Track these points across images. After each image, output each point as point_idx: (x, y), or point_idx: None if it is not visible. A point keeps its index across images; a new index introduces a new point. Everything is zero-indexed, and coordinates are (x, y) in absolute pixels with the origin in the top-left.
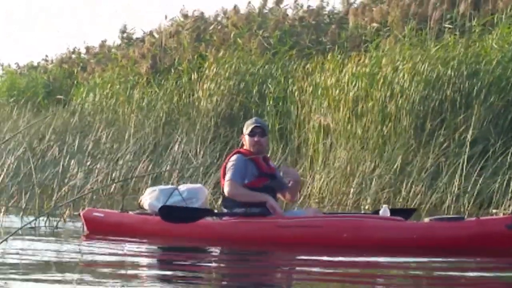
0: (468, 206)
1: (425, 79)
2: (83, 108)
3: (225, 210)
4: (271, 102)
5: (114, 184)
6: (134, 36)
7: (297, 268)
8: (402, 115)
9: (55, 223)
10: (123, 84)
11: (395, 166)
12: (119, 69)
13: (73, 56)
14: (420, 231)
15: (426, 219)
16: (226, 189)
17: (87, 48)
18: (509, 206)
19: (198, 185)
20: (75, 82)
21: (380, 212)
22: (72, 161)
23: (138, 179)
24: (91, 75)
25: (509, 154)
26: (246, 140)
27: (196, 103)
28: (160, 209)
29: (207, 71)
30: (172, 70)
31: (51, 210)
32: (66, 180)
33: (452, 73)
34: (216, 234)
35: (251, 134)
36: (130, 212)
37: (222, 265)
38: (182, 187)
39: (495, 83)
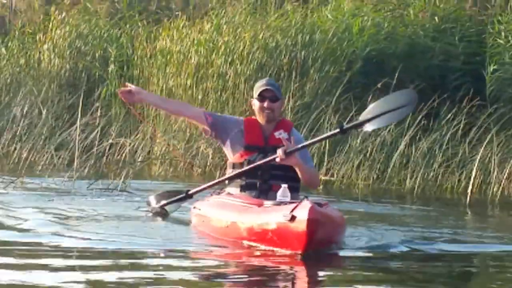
0: None
1: (263, 46)
2: None
3: None
4: (112, 66)
5: None
6: None
7: None
8: (240, 82)
9: None
10: None
11: None
12: None
13: None
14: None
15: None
16: None
17: None
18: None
19: None
20: None
21: (278, 193)
22: None
23: None
24: None
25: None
26: (254, 105)
27: (40, 65)
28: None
29: (51, 33)
30: (19, 32)
31: None
32: None
33: (290, 42)
34: None
35: (261, 98)
36: None
37: None
38: None
39: (330, 53)
